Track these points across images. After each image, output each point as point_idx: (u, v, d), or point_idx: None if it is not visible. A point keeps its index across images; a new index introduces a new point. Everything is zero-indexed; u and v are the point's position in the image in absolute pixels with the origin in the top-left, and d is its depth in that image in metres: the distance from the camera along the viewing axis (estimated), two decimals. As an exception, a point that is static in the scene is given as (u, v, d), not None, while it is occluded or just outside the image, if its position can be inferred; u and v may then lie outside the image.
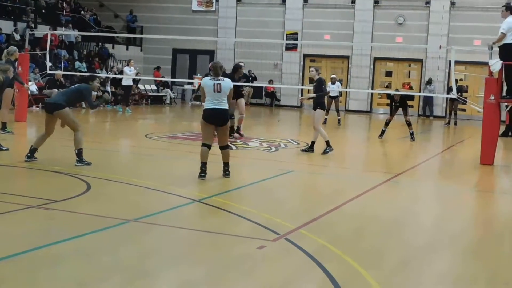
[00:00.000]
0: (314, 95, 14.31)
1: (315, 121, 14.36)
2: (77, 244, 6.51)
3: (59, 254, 6.18)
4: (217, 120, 10.32)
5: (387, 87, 31.76)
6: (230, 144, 10.86)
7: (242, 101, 17.14)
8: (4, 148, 12.29)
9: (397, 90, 20.27)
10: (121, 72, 26.39)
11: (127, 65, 24.97)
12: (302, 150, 14.55)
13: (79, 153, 11.01)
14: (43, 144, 11.31)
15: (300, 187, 10.74)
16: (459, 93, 23.08)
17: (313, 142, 14.41)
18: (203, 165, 10.39)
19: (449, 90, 24.12)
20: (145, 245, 6.74)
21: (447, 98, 28.65)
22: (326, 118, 22.13)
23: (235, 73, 16.72)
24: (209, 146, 10.43)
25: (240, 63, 17.65)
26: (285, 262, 6.34)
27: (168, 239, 7.06)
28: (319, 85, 14.29)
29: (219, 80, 10.32)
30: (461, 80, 29.60)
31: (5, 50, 15.52)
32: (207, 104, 10.32)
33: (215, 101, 10.25)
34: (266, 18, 32.90)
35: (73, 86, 11.70)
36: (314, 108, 14.31)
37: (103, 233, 6.98)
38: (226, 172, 10.59)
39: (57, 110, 10.92)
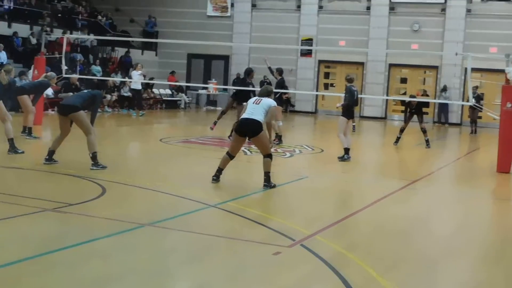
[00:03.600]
0: (339, 104, 14.76)
1: (338, 128, 14.47)
2: (92, 248, 6.50)
3: (73, 258, 6.16)
4: (247, 130, 10.20)
5: (404, 94, 31.61)
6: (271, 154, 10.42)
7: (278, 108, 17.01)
8: (19, 151, 12.32)
9: (413, 96, 20.08)
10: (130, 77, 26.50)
11: (134, 69, 25.07)
12: (339, 159, 14.27)
13: (93, 157, 11.01)
14: (59, 146, 11.35)
15: (315, 193, 10.68)
16: (476, 101, 22.92)
17: (345, 149, 14.28)
18: (219, 170, 10.44)
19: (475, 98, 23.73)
20: (160, 249, 6.71)
21: (462, 105, 28.56)
22: (354, 125, 21.96)
23: (248, 76, 16.97)
24: (231, 156, 10.44)
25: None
26: (301, 268, 6.29)
27: (183, 243, 7.03)
28: (345, 93, 14.53)
29: (261, 98, 10.44)
30: (476, 87, 29.37)
31: (44, 74, 15.60)
32: (242, 116, 10.39)
33: (250, 112, 10.25)
34: (281, 23, 32.86)
35: (86, 91, 11.73)
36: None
37: (118, 237, 6.96)
38: (264, 183, 10.24)
39: (73, 112, 10.93)
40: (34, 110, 15.53)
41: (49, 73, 15.53)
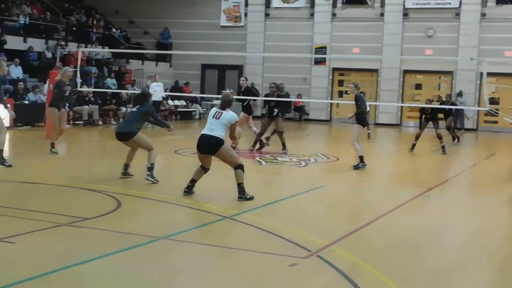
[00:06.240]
0: (350, 115, 14.59)
1: (352, 136, 14.36)
2: (107, 263, 6.49)
3: (88, 273, 6.15)
4: (205, 147, 9.85)
5: (418, 100, 31.43)
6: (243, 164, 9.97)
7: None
8: (6, 164, 12.05)
9: (429, 101, 19.53)
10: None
11: (154, 80, 25.09)
12: (354, 168, 14.12)
13: (151, 167, 11.36)
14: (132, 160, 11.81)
15: (331, 203, 10.63)
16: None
17: (359, 157, 14.18)
18: (192, 181, 10.12)
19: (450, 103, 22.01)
20: (175, 263, 6.70)
21: (478, 111, 28.43)
22: (369, 133, 21.74)
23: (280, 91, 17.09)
24: (205, 169, 10.13)
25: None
26: (317, 280, 6.25)
27: (199, 256, 7.01)
28: (357, 101, 14.28)
29: (223, 111, 9.94)
30: (458, 94, 29.02)
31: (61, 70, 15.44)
32: (202, 131, 10.00)
33: (209, 127, 9.86)
34: (295, 32, 32.90)
35: (135, 109, 11.88)
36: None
37: (133, 251, 6.94)
38: (238, 195, 9.81)
39: (130, 138, 11.44)
40: (56, 125, 14.82)
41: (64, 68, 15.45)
